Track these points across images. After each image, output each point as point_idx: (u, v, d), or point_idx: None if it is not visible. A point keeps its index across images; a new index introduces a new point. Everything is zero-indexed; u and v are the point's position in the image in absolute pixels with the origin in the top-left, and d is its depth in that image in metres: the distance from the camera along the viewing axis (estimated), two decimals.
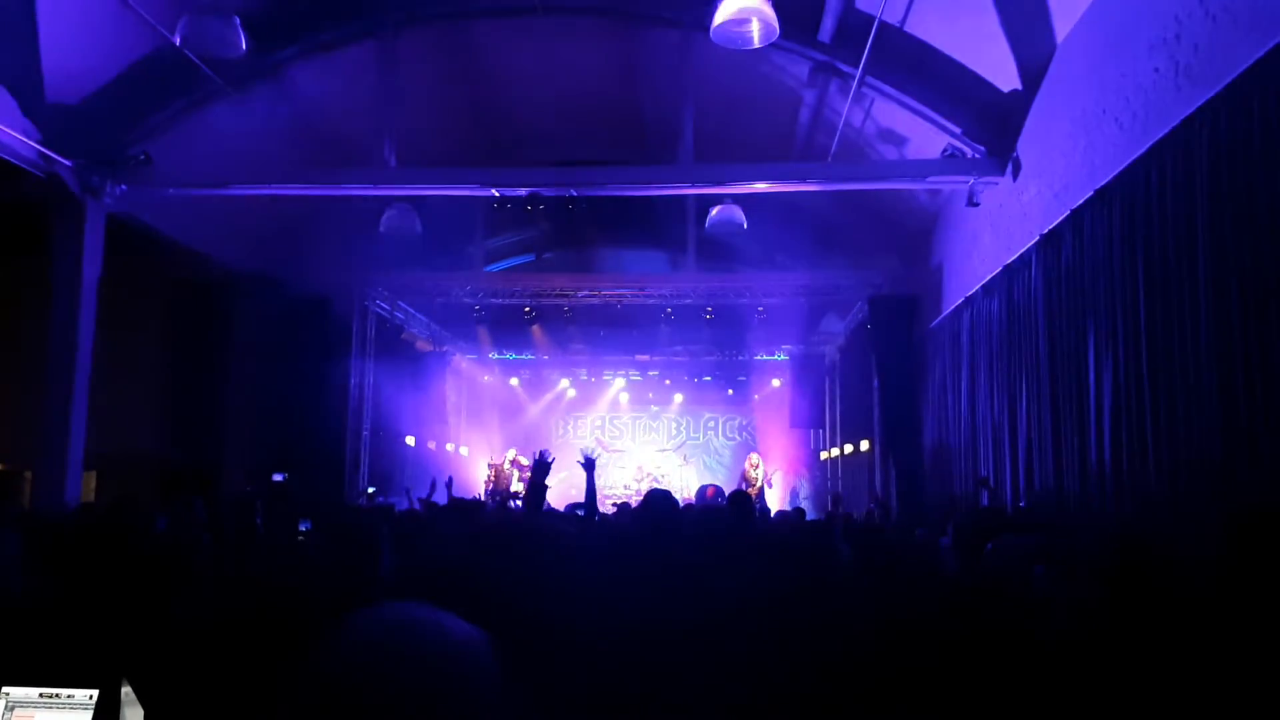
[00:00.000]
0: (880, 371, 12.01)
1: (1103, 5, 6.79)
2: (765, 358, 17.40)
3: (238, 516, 5.45)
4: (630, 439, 20.12)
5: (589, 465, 4.96)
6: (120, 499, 4.39)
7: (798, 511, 9.44)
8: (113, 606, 2.36)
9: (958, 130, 8.94)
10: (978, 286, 9.20)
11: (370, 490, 12.76)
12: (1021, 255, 8.02)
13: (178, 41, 7.11)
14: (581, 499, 5.20)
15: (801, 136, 10.71)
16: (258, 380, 11.78)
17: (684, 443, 19.84)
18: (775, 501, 15.54)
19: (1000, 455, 8.50)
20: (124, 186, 9.15)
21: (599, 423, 20.15)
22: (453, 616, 1.03)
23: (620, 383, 19.50)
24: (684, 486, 17.54)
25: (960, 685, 2.17)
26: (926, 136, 9.22)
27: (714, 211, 10.63)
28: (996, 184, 8.71)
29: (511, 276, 15.09)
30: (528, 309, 14.68)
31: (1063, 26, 7.35)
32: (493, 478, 15.93)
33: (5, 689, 1.51)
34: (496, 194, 9.67)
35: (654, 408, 19.88)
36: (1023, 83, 8.03)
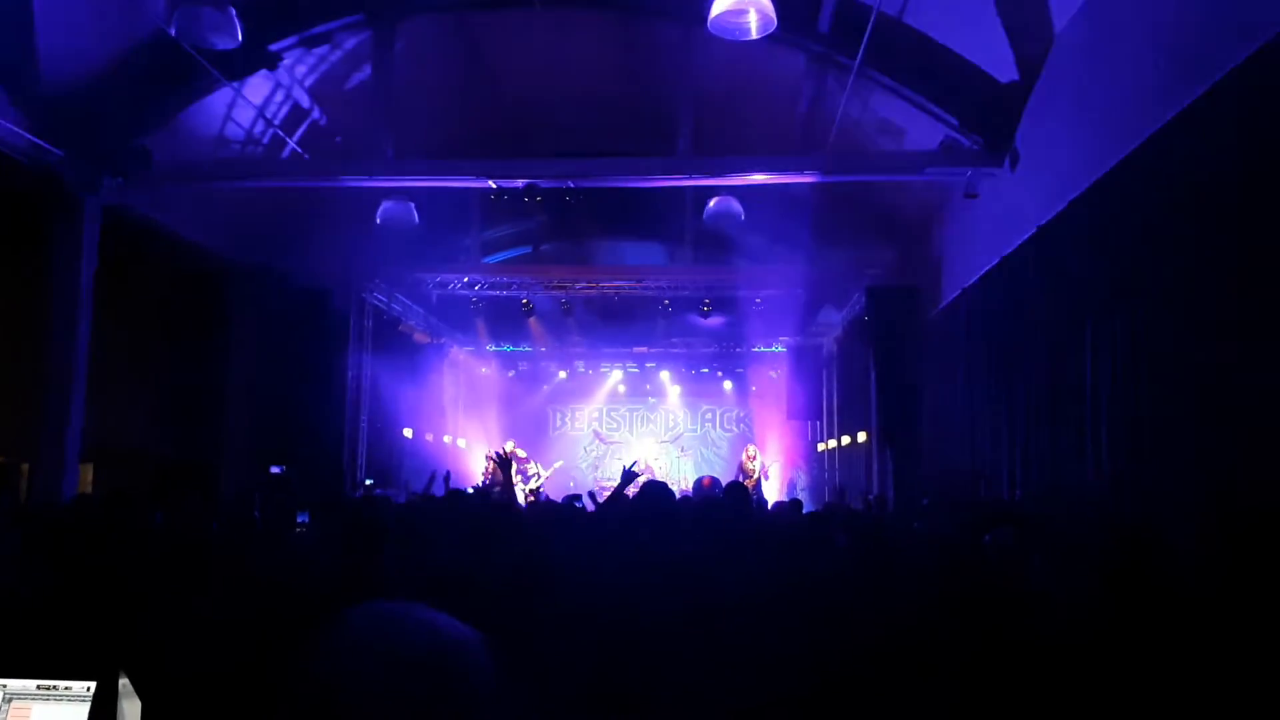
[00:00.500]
0: (878, 363, 12.01)
1: None
2: (763, 349, 17.42)
3: (235, 509, 5.45)
4: (628, 431, 20.14)
5: (628, 477, 5.40)
6: (116, 492, 4.39)
7: (794, 503, 9.45)
8: (109, 598, 2.36)
9: (955, 122, 8.92)
10: (976, 278, 9.20)
11: (368, 482, 12.77)
12: (1020, 247, 8.02)
13: (173, 32, 7.07)
14: (578, 491, 5.29)
15: (799, 128, 10.69)
16: (255, 372, 11.77)
17: (681, 434, 19.86)
18: (772, 493, 15.56)
19: (998, 447, 8.51)
20: (120, 179, 9.13)
21: (596, 414, 20.17)
22: (447, 617, 1.03)
23: (618, 374, 19.50)
24: (682, 478, 17.56)
25: (957, 676, 2.17)
26: (924, 128, 9.20)
27: (711, 203, 10.62)
28: (994, 176, 8.70)
29: (509, 268, 15.08)
30: (525, 301, 14.68)
31: (1061, 17, 7.33)
32: (490, 470, 15.94)
33: (2, 681, 1.51)
34: (494, 185, 9.65)
35: (651, 399, 19.90)
36: (1021, 74, 8.02)
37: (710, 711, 2.10)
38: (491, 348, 17.95)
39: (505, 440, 16.64)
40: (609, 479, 17.43)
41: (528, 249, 15.50)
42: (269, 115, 10.05)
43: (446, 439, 16.89)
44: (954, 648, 2.23)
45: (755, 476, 14.61)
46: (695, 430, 19.91)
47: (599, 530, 4.12)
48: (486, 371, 18.95)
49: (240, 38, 6.99)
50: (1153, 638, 2.24)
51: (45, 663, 1.52)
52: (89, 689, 1.49)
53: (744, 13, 6.44)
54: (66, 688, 1.50)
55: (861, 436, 13.73)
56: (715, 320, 14.82)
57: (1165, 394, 5.44)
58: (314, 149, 10.43)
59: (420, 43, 9.93)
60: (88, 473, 9.80)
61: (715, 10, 6.42)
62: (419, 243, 11.75)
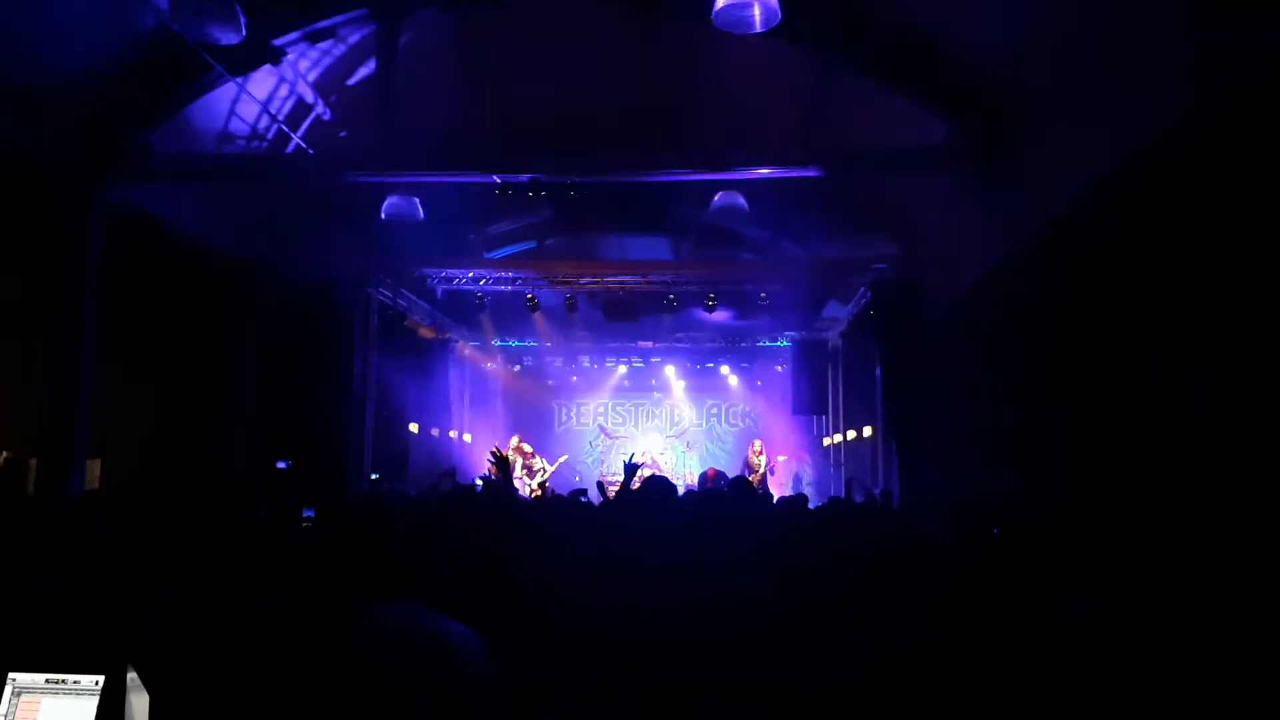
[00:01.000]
0: (883, 358, 12.00)
1: None
2: (768, 344, 17.41)
3: (241, 504, 5.47)
4: (633, 425, 20.14)
5: (630, 471, 5.84)
6: (123, 487, 4.41)
7: (800, 497, 9.44)
8: (119, 593, 2.37)
9: (959, 116, 8.88)
10: (980, 273, 9.18)
11: (374, 477, 12.79)
12: (1024, 243, 8.00)
13: (177, 26, 7.08)
14: (584, 485, 5.41)
15: (803, 123, 10.66)
16: (261, 367, 11.80)
17: (687, 429, 19.87)
18: (778, 488, 15.57)
19: (1002, 443, 8.49)
20: (125, 174, 9.14)
21: (601, 409, 20.18)
22: (448, 619, 1.03)
23: (622, 369, 19.50)
24: (687, 472, 17.57)
25: (962, 672, 2.18)
26: (928, 122, 9.17)
27: (716, 198, 10.61)
28: (998, 171, 8.67)
29: (514, 263, 15.07)
30: (530, 296, 14.69)
31: (1061, 11, 7.28)
32: (490, 469, 15.94)
33: (11, 675, 1.52)
34: (499, 180, 9.64)
35: (656, 394, 19.90)
36: (1025, 68, 7.98)
37: (714, 705, 2.10)
38: (497, 342, 17.97)
39: (511, 435, 16.67)
40: (614, 474, 17.45)
41: (533, 244, 15.50)
42: (273, 110, 10.05)
43: (453, 434, 16.91)
44: (960, 646, 2.24)
45: (761, 471, 14.62)
46: (701, 425, 19.91)
47: (606, 525, 4.13)
48: (492, 366, 18.96)
49: (244, 32, 6.99)
50: (1155, 634, 2.28)
51: (53, 656, 1.53)
52: (97, 683, 1.50)
53: (749, 6, 6.43)
54: (75, 681, 1.51)
55: (867, 431, 13.73)
56: (720, 315, 14.82)
57: (1172, 391, 5.42)
58: (318, 144, 10.43)
59: (425, 36, 9.92)
60: (95, 468, 9.83)
61: (719, 2, 6.42)
62: (424, 238, 11.75)
